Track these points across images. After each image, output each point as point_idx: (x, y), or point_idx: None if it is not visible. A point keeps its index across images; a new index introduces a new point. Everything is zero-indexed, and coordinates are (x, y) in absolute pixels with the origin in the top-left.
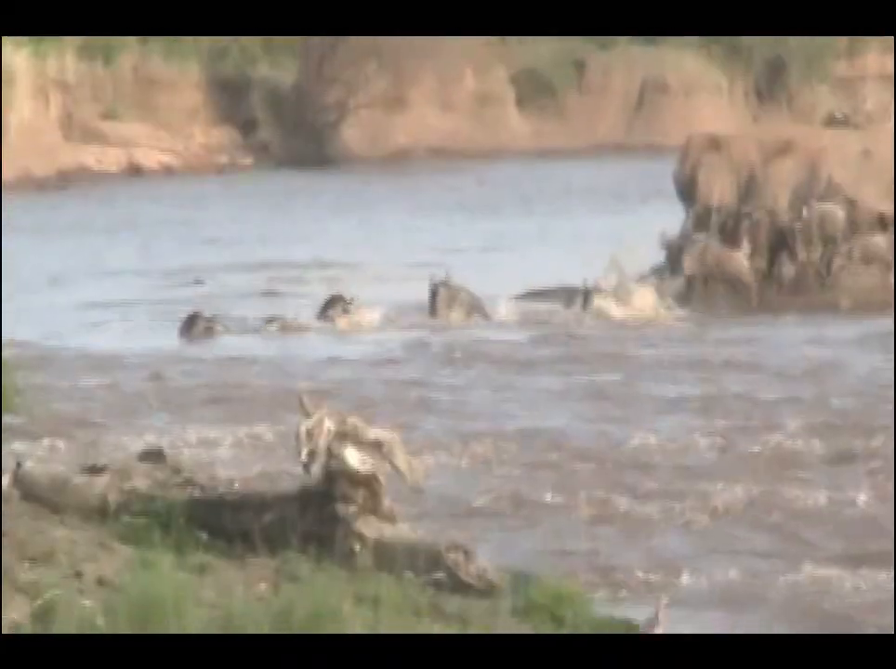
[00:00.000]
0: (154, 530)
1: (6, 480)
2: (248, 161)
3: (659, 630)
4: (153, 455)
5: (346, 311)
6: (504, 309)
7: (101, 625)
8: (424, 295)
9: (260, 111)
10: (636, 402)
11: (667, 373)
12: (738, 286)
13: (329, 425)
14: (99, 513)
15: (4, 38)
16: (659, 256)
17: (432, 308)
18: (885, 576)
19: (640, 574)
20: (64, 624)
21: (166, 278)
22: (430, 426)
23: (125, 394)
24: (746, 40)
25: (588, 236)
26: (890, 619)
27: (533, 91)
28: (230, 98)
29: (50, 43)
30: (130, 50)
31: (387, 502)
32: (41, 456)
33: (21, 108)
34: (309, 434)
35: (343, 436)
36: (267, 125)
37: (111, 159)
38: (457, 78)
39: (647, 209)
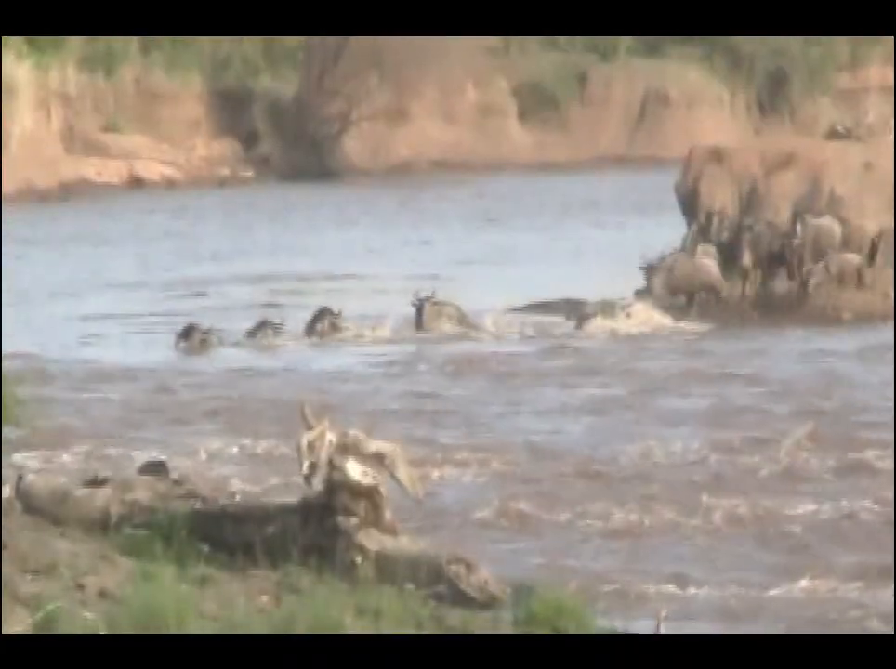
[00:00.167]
0: (156, 542)
1: (6, 492)
2: (249, 173)
3: None
4: (155, 468)
5: (333, 325)
6: (490, 322)
7: None
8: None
9: (262, 123)
10: (633, 413)
11: (662, 386)
12: (711, 295)
13: (331, 437)
14: (101, 525)
15: (6, 51)
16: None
17: (418, 324)
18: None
19: (642, 586)
20: None
21: (167, 290)
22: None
23: (125, 406)
24: (748, 51)
25: (590, 249)
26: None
27: (535, 103)
28: (231, 111)
29: (52, 55)
30: (132, 62)
31: (388, 514)
32: (42, 468)
33: (23, 120)
34: (311, 446)
35: (344, 448)
36: (268, 138)
37: (112, 171)
38: (459, 90)
39: (649, 221)
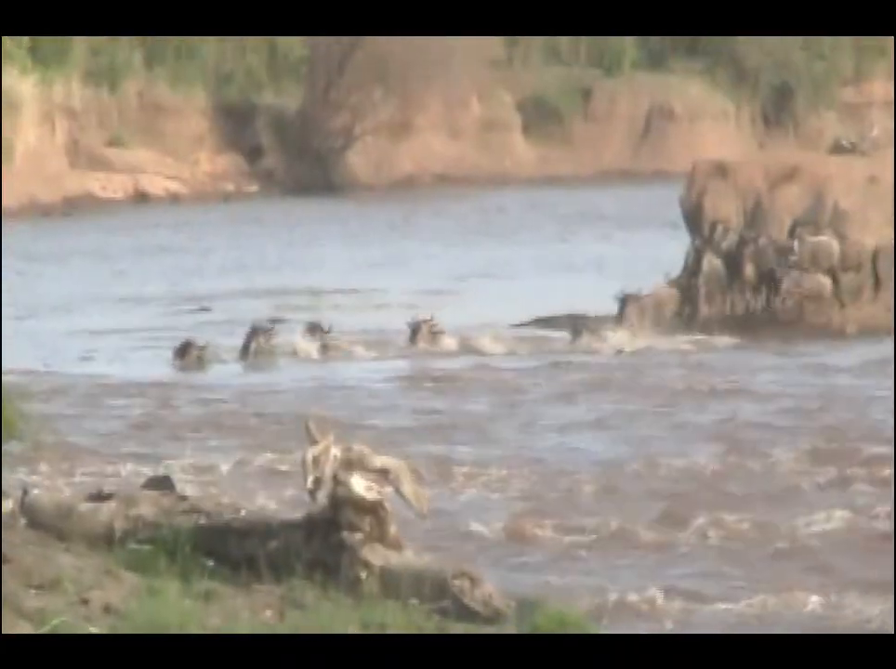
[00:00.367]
0: (160, 557)
1: (7, 506)
2: (253, 188)
3: None
4: (159, 483)
5: (322, 340)
6: (487, 342)
7: None
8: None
9: (266, 137)
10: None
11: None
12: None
13: (335, 452)
14: (105, 540)
15: (10, 65)
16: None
17: (412, 343)
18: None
19: (648, 598)
20: None
21: (171, 305)
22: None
23: (129, 421)
24: (753, 65)
25: (595, 263)
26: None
27: (540, 118)
28: (235, 125)
29: (56, 69)
30: (136, 76)
31: (393, 529)
32: (46, 484)
33: (27, 134)
34: (316, 461)
35: (349, 463)
36: (272, 152)
37: (116, 186)
38: (463, 104)
39: (653, 236)
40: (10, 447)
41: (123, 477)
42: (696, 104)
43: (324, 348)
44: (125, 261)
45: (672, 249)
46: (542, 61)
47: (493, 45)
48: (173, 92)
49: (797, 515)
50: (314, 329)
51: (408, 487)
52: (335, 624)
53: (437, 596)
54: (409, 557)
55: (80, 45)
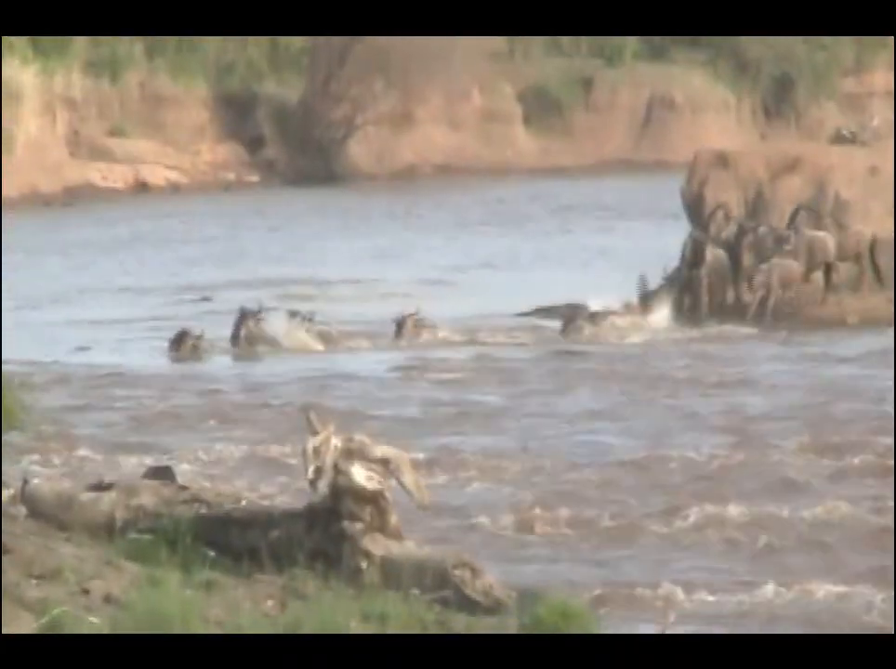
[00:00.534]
0: (161, 547)
1: (6, 495)
2: (254, 178)
3: None
4: (160, 473)
5: (308, 330)
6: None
7: None
8: (428, 313)
9: (267, 128)
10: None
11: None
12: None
13: (336, 442)
14: (106, 530)
15: (10, 56)
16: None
17: (398, 338)
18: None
19: (650, 591)
20: None
21: (172, 295)
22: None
23: (131, 411)
24: (754, 56)
25: (596, 253)
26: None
27: (540, 109)
28: (236, 115)
29: (57, 60)
30: (137, 67)
31: (393, 519)
32: (48, 473)
33: (28, 125)
34: (316, 451)
35: (350, 453)
36: (273, 143)
37: (117, 176)
38: (464, 96)
39: (655, 226)
40: (11, 437)
41: (123, 467)
42: (698, 95)
43: (317, 337)
44: (126, 251)
45: (674, 240)
46: (543, 52)
47: (493, 37)
48: (174, 82)
49: (800, 506)
50: (295, 317)
51: (409, 477)
52: (336, 615)
53: (438, 586)
54: (410, 547)
55: (81, 36)
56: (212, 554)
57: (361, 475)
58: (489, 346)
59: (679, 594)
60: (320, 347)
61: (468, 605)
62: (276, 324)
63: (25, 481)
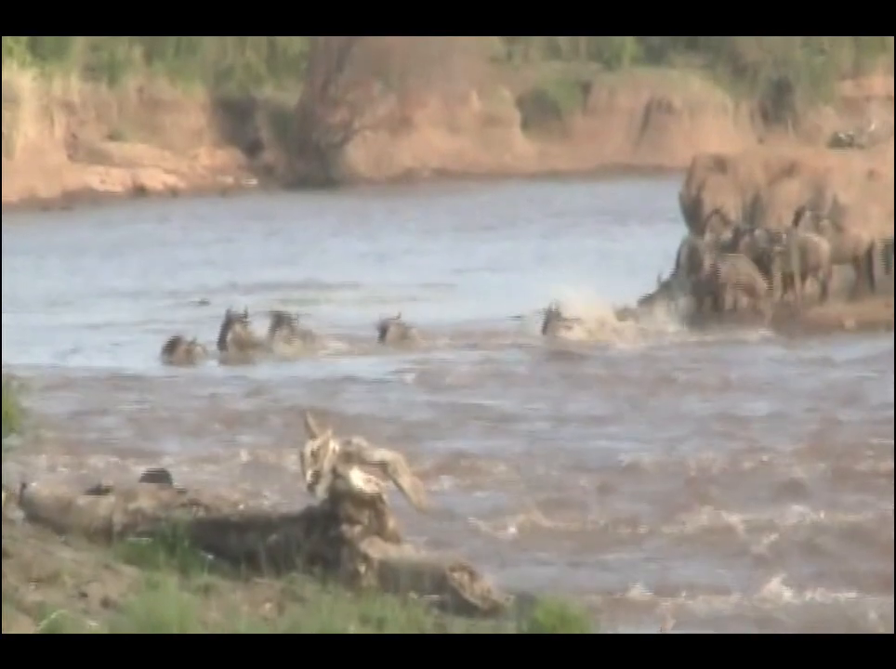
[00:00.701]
0: (159, 551)
1: (5, 496)
2: (253, 182)
3: None
4: (157, 476)
5: (292, 332)
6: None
7: None
8: (428, 316)
9: (265, 132)
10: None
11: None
12: None
13: (334, 445)
14: (104, 534)
15: (9, 60)
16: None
17: (382, 343)
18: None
19: (647, 595)
20: None
21: (170, 299)
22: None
23: (129, 416)
24: (752, 59)
25: (594, 257)
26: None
27: (539, 113)
28: (234, 120)
29: (55, 64)
30: (135, 71)
31: (392, 522)
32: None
33: (27, 129)
34: (314, 455)
35: (348, 456)
36: (271, 147)
37: (115, 180)
38: (462, 100)
39: (653, 230)
40: (10, 441)
41: (122, 470)
42: (696, 99)
43: (302, 339)
44: (125, 255)
45: (672, 243)
46: (541, 56)
47: (492, 40)
48: (172, 86)
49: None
50: (281, 321)
51: (407, 480)
52: (334, 618)
53: (436, 589)
54: (408, 551)
55: (79, 39)
56: (210, 557)
57: (359, 478)
58: (482, 349)
59: (680, 599)
60: (306, 349)
61: (466, 608)
62: (263, 327)
63: (23, 485)
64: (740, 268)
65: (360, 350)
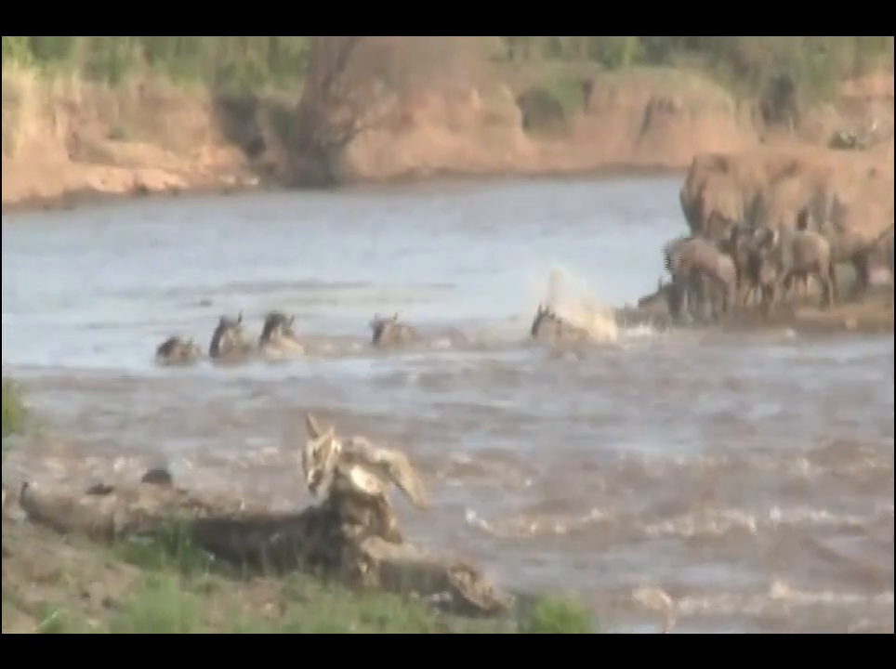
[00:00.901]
0: (161, 550)
1: (5, 496)
2: (254, 181)
3: None
4: (159, 476)
5: (287, 333)
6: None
7: None
8: (427, 315)
9: (266, 131)
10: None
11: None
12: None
13: (336, 445)
14: (106, 534)
15: (10, 59)
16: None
17: (375, 343)
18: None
19: (652, 595)
20: None
21: (172, 299)
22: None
23: (131, 415)
24: (753, 59)
25: (595, 257)
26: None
27: (540, 111)
28: (235, 119)
29: (56, 63)
30: (136, 70)
31: (393, 522)
32: (48, 478)
33: (28, 128)
34: (316, 455)
35: (349, 457)
36: (273, 146)
37: (117, 179)
38: (464, 98)
39: (654, 229)
40: (11, 441)
41: (122, 471)
42: (697, 98)
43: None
44: (126, 255)
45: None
46: (542, 55)
47: (493, 39)
48: (174, 86)
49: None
50: (275, 322)
51: (408, 480)
52: (335, 617)
53: (437, 589)
54: (409, 551)
55: (80, 38)
56: (211, 557)
57: (360, 478)
58: (477, 350)
59: (684, 599)
60: (300, 352)
61: (468, 608)
62: (256, 333)
63: (25, 484)
64: (699, 250)
65: (354, 352)
